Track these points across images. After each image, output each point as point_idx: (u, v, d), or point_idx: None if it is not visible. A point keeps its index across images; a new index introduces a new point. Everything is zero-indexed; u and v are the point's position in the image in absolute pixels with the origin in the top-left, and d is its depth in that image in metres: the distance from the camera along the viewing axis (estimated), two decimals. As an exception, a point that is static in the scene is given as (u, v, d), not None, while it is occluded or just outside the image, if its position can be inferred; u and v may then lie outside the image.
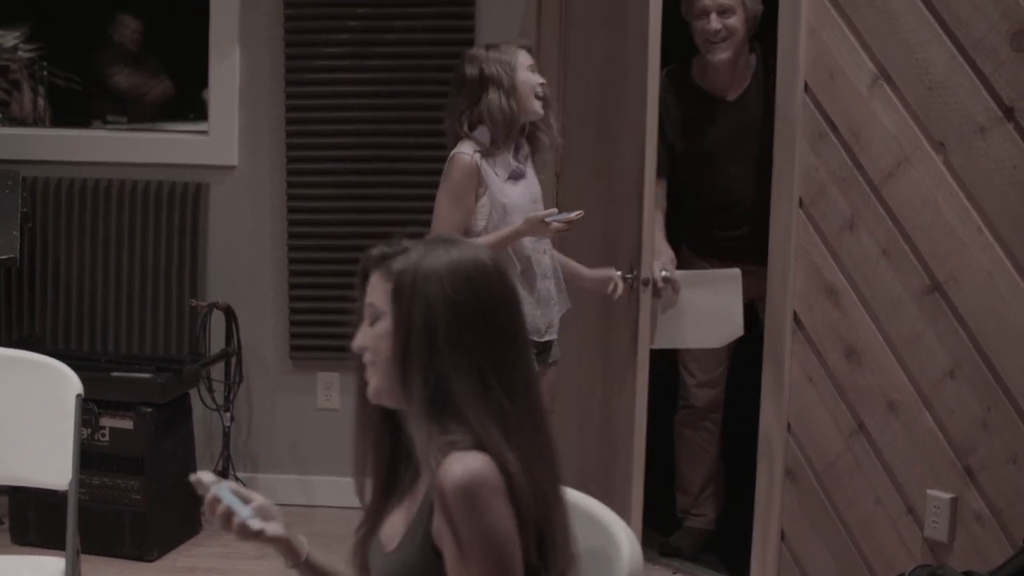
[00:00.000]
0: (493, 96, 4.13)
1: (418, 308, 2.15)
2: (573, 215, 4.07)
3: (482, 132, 4.16)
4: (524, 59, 4.20)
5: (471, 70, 4.17)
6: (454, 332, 2.14)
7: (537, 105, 4.20)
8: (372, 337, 2.21)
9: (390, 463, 2.33)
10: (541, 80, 4.23)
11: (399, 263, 2.19)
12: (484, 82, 4.14)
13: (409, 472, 2.32)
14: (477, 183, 4.13)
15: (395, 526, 2.29)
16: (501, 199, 4.15)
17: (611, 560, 2.35)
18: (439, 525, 2.12)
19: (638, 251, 4.40)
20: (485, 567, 2.08)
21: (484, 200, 4.15)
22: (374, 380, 2.22)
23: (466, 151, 4.14)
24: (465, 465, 2.07)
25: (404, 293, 2.16)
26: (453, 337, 2.14)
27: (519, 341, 2.23)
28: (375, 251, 2.25)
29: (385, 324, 2.19)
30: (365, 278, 2.25)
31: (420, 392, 2.14)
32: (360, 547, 2.35)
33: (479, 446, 2.11)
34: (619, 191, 4.62)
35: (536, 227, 4.07)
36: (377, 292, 2.21)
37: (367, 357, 2.23)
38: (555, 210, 4.15)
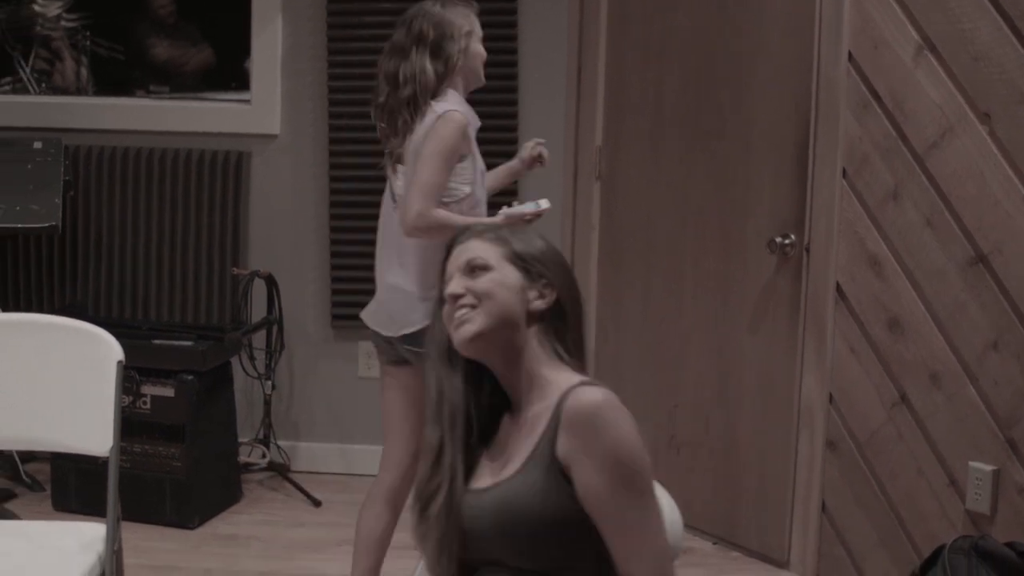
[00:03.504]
0: (456, 53, 3.88)
1: (550, 271, 2.41)
2: (541, 207, 3.87)
3: (451, 94, 3.89)
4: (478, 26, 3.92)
5: (444, 28, 3.87)
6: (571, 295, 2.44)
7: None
8: (486, 281, 2.36)
9: (467, 415, 2.41)
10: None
11: (497, 232, 2.45)
12: (450, 40, 3.88)
13: (480, 422, 2.42)
14: (466, 145, 3.83)
15: (493, 466, 2.36)
16: (481, 164, 3.91)
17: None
18: (567, 447, 2.22)
19: (799, 217, 4.44)
20: (625, 477, 2.19)
21: (467, 163, 3.83)
22: (479, 322, 2.34)
23: (455, 108, 3.81)
24: (596, 392, 2.24)
25: (529, 255, 2.41)
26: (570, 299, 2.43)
27: None
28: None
29: (498, 275, 2.37)
30: (451, 246, 2.46)
31: (548, 336, 2.38)
32: (451, 498, 2.34)
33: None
34: (755, 160, 4.64)
35: (517, 224, 3.78)
36: (481, 250, 2.40)
37: (467, 300, 2.36)
38: (530, 203, 3.91)
